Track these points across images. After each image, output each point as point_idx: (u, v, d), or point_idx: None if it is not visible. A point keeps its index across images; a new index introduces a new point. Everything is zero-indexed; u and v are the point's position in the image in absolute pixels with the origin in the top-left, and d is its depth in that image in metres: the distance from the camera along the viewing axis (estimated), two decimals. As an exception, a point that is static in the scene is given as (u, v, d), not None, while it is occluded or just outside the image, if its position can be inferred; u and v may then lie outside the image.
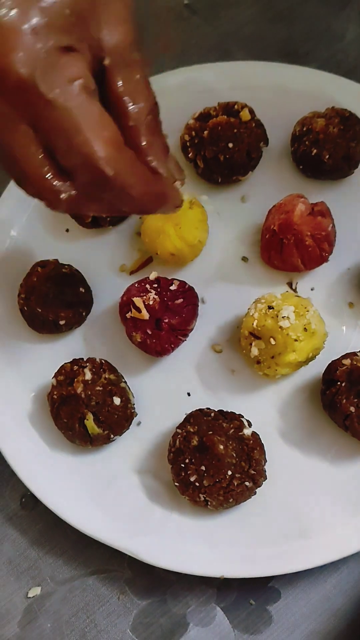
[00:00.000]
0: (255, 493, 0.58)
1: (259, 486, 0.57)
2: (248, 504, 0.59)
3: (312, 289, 0.66)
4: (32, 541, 0.62)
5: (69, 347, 0.66)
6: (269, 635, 0.58)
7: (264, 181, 0.70)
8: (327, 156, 0.64)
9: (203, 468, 0.56)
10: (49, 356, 0.65)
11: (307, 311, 0.59)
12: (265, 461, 0.58)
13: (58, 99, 0.37)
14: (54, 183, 0.40)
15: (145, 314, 0.59)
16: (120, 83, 0.41)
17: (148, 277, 0.63)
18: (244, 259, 0.68)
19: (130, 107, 0.41)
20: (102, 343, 0.66)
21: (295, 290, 0.66)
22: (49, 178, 0.40)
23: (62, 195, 0.40)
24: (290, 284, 0.67)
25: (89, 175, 0.39)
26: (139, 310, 0.59)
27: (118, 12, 0.41)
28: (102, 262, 0.69)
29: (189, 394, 0.64)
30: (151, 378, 0.65)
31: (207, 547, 0.57)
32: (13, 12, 0.37)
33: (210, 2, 0.83)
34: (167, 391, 0.64)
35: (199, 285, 0.67)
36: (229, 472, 0.55)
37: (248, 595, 0.59)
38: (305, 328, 0.58)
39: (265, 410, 0.63)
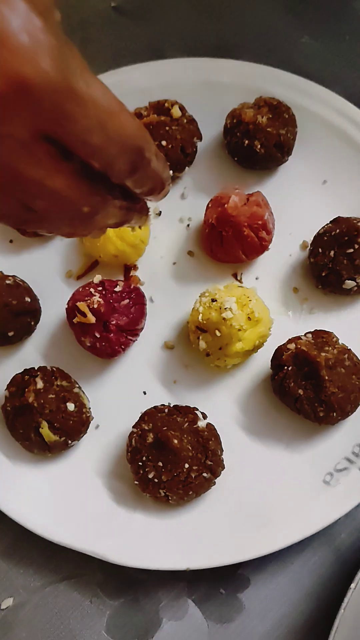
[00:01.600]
0: (214, 483, 0.58)
1: (218, 476, 0.58)
2: (210, 495, 0.59)
3: (256, 278, 0.67)
4: (1, 553, 0.62)
5: (21, 357, 0.66)
6: (241, 622, 0.58)
7: (202, 176, 0.71)
8: (259, 146, 0.65)
9: (160, 464, 0.56)
10: (2, 368, 0.65)
11: (250, 300, 0.59)
12: (222, 451, 0.59)
13: None
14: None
15: (91, 318, 0.60)
16: None
17: (92, 281, 0.63)
18: (190, 253, 0.69)
19: None
20: (54, 350, 0.66)
21: (240, 281, 0.67)
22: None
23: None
24: (235, 275, 0.67)
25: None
26: (84, 314, 0.60)
27: None
28: (48, 269, 0.69)
29: (144, 393, 0.64)
30: (106, 380, 0.65)
31: (173, 542, 0.58)
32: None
33: (138, 2, 0.83)
34: (123, 392, 0.65)
35: (147, 284, 0.68)
36: (186, 465, 0.56)
37: (218, 585, 0.60)
38: (249, 317, 0.59)
39: (221, 401, 0.63)
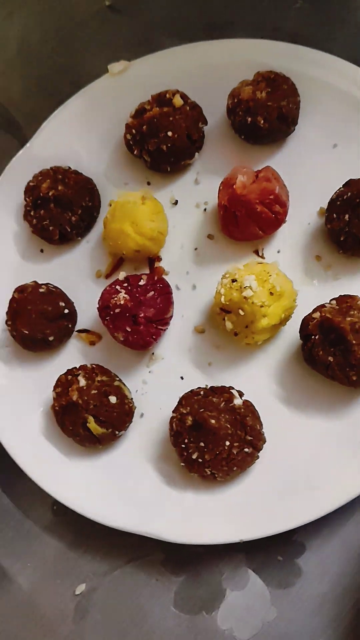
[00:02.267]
0: (258, 457, 0.60)
1: (260, 449, 0.60)
2: (256, 468, 0.61)
3: (278, 252, 0.68)
4: (70, 543, 0.66)
5: (64, 358, 0.70)
6: (301, 586, 0.60)
7: (212, 158, 0.72)
8: (262, 121, 0.66)
9: (202, 444, 0.59)
10: (49, 371, 0.69)
11: (270, 275, 0.61)
12: (261, 425, 0.60)
13: None
14: None
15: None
16: None
17: (118, 279, 0.66)
18: (210, 236, 0.70)
19: None
20: (93, 348, 0.69)
21: (262, 257, 0.68)
22: None
23: None
24: (257, 252, 0.68)
25: None
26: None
27: None
28: (79, 272, 0.72)
29: (182, 378, 0.67)
30: (145, 370, 0.68)
31: (225, 516, 0.60)
32: None
33: (130, -2, 0.84)
34: (162, 379, 0.67)
35: (171, 273, 0.70)
36: (227, 443, 0.58)
37: (275, 552, 0.62)
38: (270, 292, 0.60)
39: (256, 377, 0.65)
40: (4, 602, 0.66)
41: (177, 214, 0.71)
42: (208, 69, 0.73)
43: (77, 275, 0.72)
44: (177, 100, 0.68)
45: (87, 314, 0.71)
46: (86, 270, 0.73)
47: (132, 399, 0.65)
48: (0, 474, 0.69)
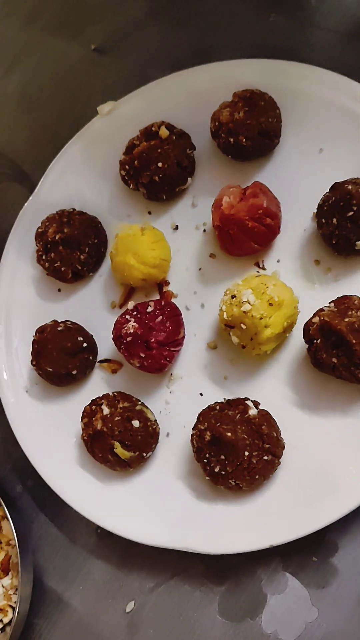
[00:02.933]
0: (279, 463, 0.62)
1: (279, 456, 0.62)
2: (279, 474, 0.63)
3: (278, 261, 0.70)
4: (116, 564, 0.70)
5: (91, 388, 0.73)
6: (339, 584, 0.62)
7: (206, 180, 0.75)
8: (244, 140, 0.68)
9: (223, 457, 0.61)
10: (77, 402, 0.73)
11: (267, 287, 0.63)
12: (278, 432, 0.62)
13: None
14: None
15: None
16: None
17: (127, 308, 0.69)
18: (212, 255, 0.73)
19: None
20: (115, 376, 0.73)
21: (263, 268, 0.70)
22: None
23: None
24: (257, 264, 0.71)
25: None
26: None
27: None
28: (95, 305, 0.76)
29: (201, 394, 0.69)
30: (165, 391, 0.71)
31: (253, 524, 0.62)
32: None
33: (113, 38, 0.88)
34: (182, 397, 0.70)
35: (180, 296, 0.73)
36: (246, 453, 0.60)
37: (309, 554, 0.63)
38: (270, 303, 0.62)
39: (270, 385, 0.67)
40: (62, 624, 0.70)
41: (179, 238, 0.75)
42: (191, 96, 0.76)
43: (94, 309, 0.76)
44: (163, 132, 0.72)
45: (106, 344, 0.74)
46: (102, 303, 0.76)
47: (155, 420, 0.68)
48: (46, 506, 0.74)
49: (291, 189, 0.70)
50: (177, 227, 0.75)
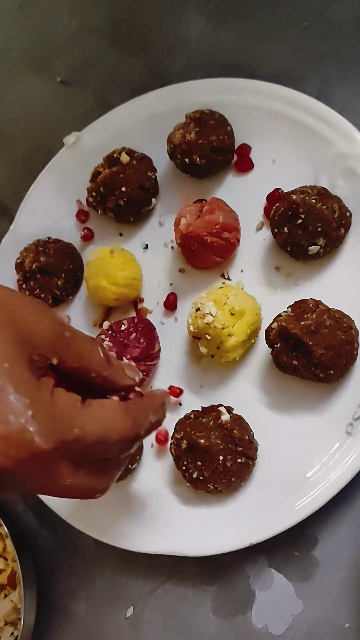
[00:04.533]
0: (254, 464, 0.65)
1: (254, 458, 0.65)
2: (256, 475, 0.66)
3: (241, 271, 0.73)
4: (115, 571, 0.73)
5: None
6: (321, 576, 0.64)
7: (169, 200, 0.78)
8: (198, 159, 0.71)
9: (199, 463, 0.64)
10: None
11: (228, 298, 0.66)
12: (251, 434, 0.65)
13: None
14: None
15: None
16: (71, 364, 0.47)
17: (103, 328, 0.73)
18: (181, 270, 0.76)
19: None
20: (99, 393, 0.77)
21: (229, 279, 0.73)
22: None
23: None
24: (223, 275, 0.74)
25: None
26: None
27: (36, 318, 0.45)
28: (78, 327, 0.78)
29: (180, 404, 0.73)
30: (147, 404, 0.74)
31: (233, 524, 0.65)
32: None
33: (78, 69, 0.93)
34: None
35: (155, 312, 0.76)
36: (221, 458, 0.63)
37: (292, 549, 0.66)
38: (231, 313, 0.65)
39: (243, 390, 0.70)
40: (68, 632, 0.74)
41: (150, 256, 0.78)
42: (150, 120, 0.80)
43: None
44: (124, 158, 0.75)
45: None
46: (83, 323, 0.80)
47: (138, 432, 0.72)
48: (47, 522, 0.78)
49: (248, 200, 0.73)
50: (147, 246, 0.79)
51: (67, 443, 0.42)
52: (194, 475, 0.65)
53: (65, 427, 0.42)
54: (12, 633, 0.73)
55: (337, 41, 0.78)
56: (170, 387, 0.72)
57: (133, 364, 0.61)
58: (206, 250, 0.69)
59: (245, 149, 0.75)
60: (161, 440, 0.71)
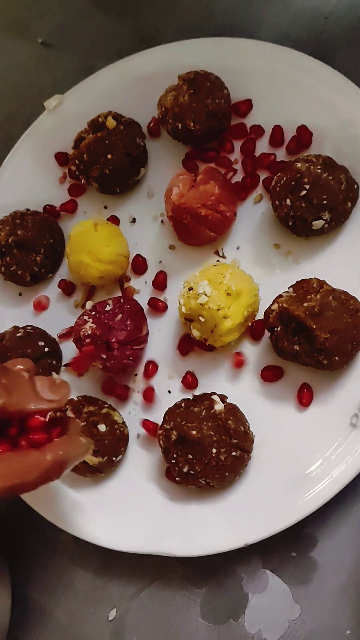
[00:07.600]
0: (249, 458, 0.60)
1: (249, 451, 0.59)
2: (251, 469, 0.61)
3: (237, 248, 0.67)
4: (96, 572, 0.68)
5: (57, 395, 0.71)
6: (319, 579, 0.60)
7: (160, 170, 0.72)
8: (192, 124, 0.65)
9: (190, 456, 0.59)
10: (45, 410, 0.71)
11: (224, 277, 0.60)
12: (247, 425, 0.60)
13: None
14: None
15: None
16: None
17: (86, 309, 0.67)
18: (171, 247, 0.70)
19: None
20: (81, 380, 0.71)
21: (223, 256, 0.67)
22: None
23: None
24: (217, 253, 0.68)
25: None
26: None
27: None
28: (58, 307, 0.74)
29: (169, 392, 0.67)
30: (133, 391, 0.68)
31: (227, 523, 0.60)
32: None
33: (59, 30, 0.86)
34: (152, 397, 0.67)
35: (142, 291, 0.70)
36: (214, 450, 0.58)
37: (288, 549, 0.61)
38: (227, 293, 0.59)
39: (237, 376, 0.64)
40: (46, 636, 0.68)
41: (137, 230, 0.72)
42: (138, 82, 0.73)
43: (57, 311, 0.74)
44: (110, 122, 0.69)
45: (72, 347, 0.72)
46: (64, 304, 0.74)
47: (123, 422, 0.66)
48: (22, 517, 0.72)
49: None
50: (134, 220, 0.72)
51: None
52: (185, 470, 0.59)
53: None
54: (-16, 637, 0.68)
55: (342, 2, 0.72)
56: (144, 421, 0.67)
57: (57, 376, 0.55)
58: (200, 224, 0.63)
59: (244, 110, 0.68)
60: (150, 429, 0.65)
